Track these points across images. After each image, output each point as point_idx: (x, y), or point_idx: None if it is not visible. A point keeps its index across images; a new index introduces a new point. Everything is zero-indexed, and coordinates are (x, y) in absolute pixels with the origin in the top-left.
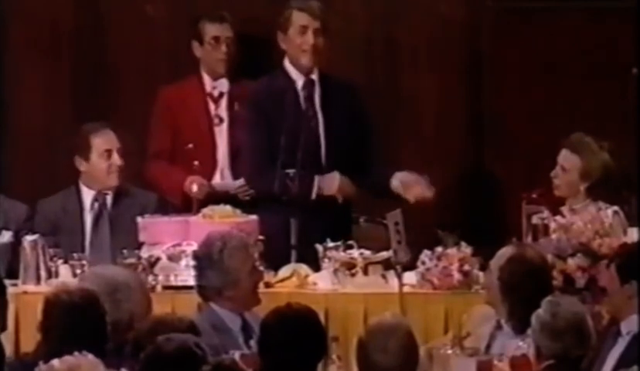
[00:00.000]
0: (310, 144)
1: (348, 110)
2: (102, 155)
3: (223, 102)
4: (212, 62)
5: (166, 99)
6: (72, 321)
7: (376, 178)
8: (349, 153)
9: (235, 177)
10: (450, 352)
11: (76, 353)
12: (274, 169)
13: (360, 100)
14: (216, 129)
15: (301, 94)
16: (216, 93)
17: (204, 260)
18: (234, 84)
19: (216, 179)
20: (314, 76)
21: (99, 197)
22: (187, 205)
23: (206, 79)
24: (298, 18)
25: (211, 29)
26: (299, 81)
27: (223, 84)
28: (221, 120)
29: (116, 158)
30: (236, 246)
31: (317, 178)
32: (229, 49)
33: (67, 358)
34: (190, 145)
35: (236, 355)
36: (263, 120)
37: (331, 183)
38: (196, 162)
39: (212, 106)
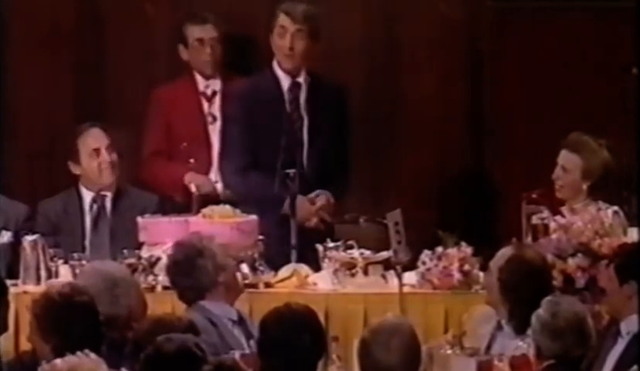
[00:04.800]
0: (293, 146)
1: (334, 114)
2: (91, 155)
3: (217, 100)
4: (199, 63)
5: (159, 99)
6: (63, 321)
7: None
8: (331, 155)
9: None
10: (450, 352)
11: (78, 352)
12: (255, 170)
13: (347, 104)
14: (210, 128)
15: (287, 96)
16: (209, 92)
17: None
18: (227, 83)
19: (211, 177)
20: (301, 79)
21: (97, 198)
22: (188, 202)
23: (199, 79)
24: (280, 20)
25: (194, 31)
26: (285, 83)
27: (216, 83)
28: (214, 118)
29: (105, 155)
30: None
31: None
32: (213, 50)
33: (70, 357)
34: (184, 144)
35: (237, 355)
36: (246, 120)
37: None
38: (192, 160)
39: (205, 105)
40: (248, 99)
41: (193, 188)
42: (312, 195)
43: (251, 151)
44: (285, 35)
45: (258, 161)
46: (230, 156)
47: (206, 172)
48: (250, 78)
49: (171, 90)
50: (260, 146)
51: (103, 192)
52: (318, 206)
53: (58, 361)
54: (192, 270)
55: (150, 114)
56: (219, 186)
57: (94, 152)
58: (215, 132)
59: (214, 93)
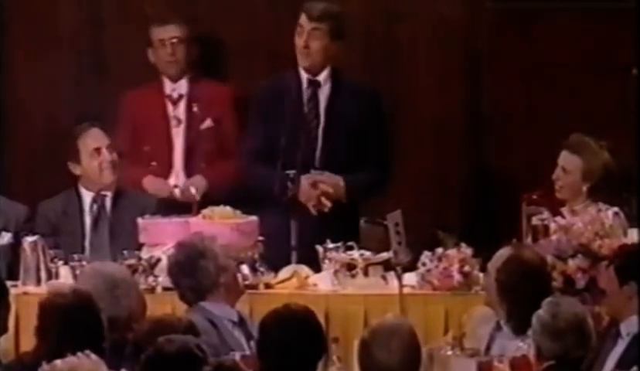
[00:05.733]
0: (306, 145)
1: (356, 113)
2: (92, 155)
3: (182, 104)
4: (162, 64)
5: (128, 102)
6: (67, 323)
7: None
8: (347, 156)
9: (188, 178)
10: (450, 352)
11: (79, 353)
12: (267, 169)
13: (373, 104)
14: (174, 131)
15: (305, 94)
16: (175, 95)
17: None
18: (194, 85)
19: (172, 181)
20: (321, 77)
21: (97, 199)
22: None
23: (166, 82)
24: (301, 18)
25: (156, 33)
26: (304, 80)
27: (183, 86)
28: (179, 121)
29: (105, 154)
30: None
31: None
32: (174, 50)
33: (70, 358)
34: (146, 148)
35: (237, 356)
36: (262, 119)
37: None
38: (154, 163)
39: (170, 108)
40: (268, 95)
41: (193, 190)
42: (316, 173)
43: (264, 146)
44: (302, 34)
45: (270, 157)
46: (244, 150)
47: (166, 176)
48: (270, 78)
49: (140, 93)
50: (274, 142)
51: (103, 192)
52: (314, 180)
53: (58, 362)
54: (193, 271)
55: (120, 117)
56: (178, 191)
57: (95, 152)
58: (178, 135)
59: (180, 96)
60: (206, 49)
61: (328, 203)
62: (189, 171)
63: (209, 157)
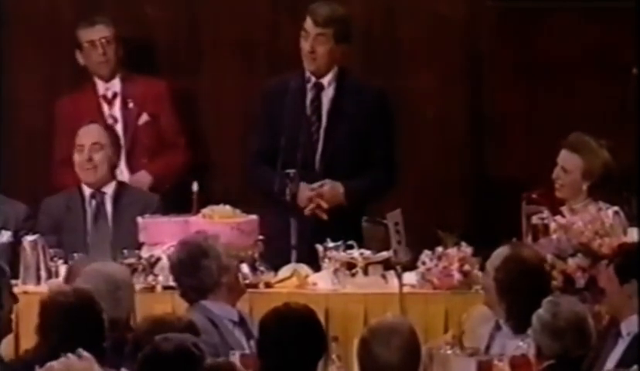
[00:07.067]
0: (307, 146)
1: (361, 114)
2: (78, 150)
3: (117, 102)
4: (94, 65)
5: (62, 110)
6: (69, 322)
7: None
8: (350, 157)
9: (132, 173)
10: (450, 352)
11: (69, 354)
12: (268, 169)
13: (379, 104)
14: None
15: (308, 95)
16: (109, 95)
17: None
18: (127, 83)
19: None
20: (325, 79)
21: (96, 195)
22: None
23: (98, 83)
24: (306, 22)
25: (84, 35)
26: (309, 83)
27: (116, 85)
28: (115, 120)
29: (85, 154)
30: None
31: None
32: (105, 50)
33: (62, 359)
34: None
35: (236, 355)
36: (266, 119)
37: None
38: None
39: (105, 107)
40: (272, 96)
41: (195, 187)
42: (316, 184)
43: (267, 147)
44: (308, 38)
45: (273, 157)
46: (249, 150)
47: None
48: (279, 78)
49: (73, 99)
50: (277, 142)
51: (102, 189)
52: (314, 191)
53: (54, 363)
54: (196, 271)
55: (55, 124)
56: None
57: (80, 148)
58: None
59: (114, 95)
60: (206, 50)
61: (324, 216)
62: (132, 168)
63: (151, 152)
